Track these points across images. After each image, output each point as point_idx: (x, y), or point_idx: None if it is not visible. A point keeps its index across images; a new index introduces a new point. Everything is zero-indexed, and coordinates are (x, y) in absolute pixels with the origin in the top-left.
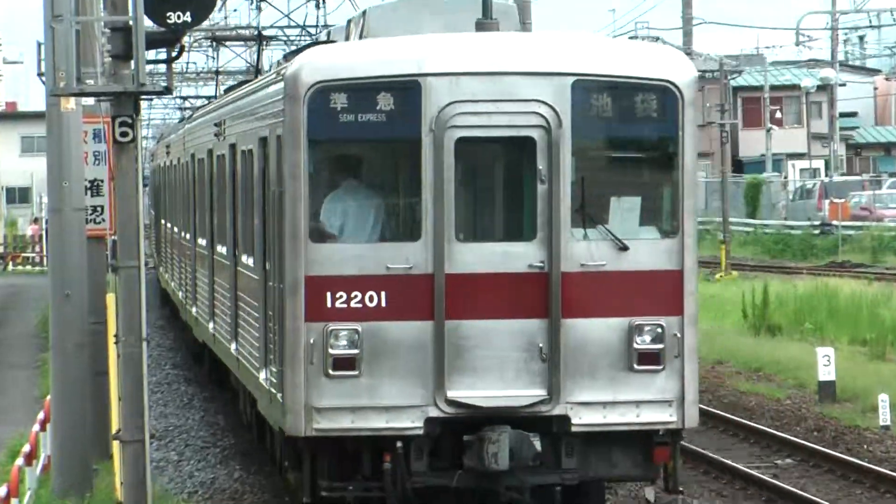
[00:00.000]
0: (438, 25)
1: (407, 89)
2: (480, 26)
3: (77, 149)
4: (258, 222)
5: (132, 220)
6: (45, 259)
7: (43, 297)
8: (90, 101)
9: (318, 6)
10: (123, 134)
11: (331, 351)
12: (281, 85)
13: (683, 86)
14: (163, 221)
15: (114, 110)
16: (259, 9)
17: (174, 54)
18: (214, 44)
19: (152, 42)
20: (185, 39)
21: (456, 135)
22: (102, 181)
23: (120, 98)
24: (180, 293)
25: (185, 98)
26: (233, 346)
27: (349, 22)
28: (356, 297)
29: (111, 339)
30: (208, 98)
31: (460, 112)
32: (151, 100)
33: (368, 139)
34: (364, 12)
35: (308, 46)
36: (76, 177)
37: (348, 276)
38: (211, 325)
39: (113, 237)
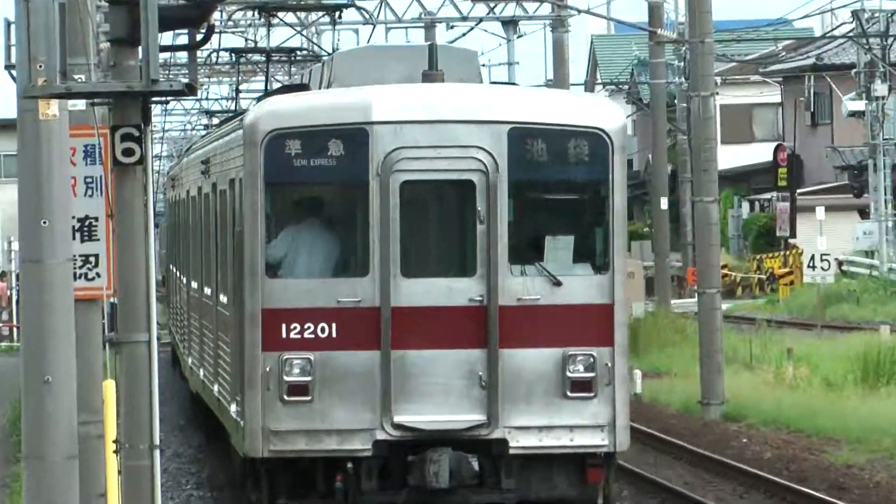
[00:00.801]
0: (400, 72)
1: (355, 136)
2: (426, 77)
3: (61, 173)
4: (231, 260)
5: (139, 275)
6: (15, 331)
7: (13, 386)
8: (80, 104)
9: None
10: (127, 152)
11: (286, 378)
12: (241, 132)
13: (613, 132)
14: (175, 271)
15: (114, 118)
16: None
17: (200, 38)
18: (261, 17)
19: (168, 21)
20: (216, 17)
21: (401, 178)
22: (97, 219)
23: (122, 100)
24: (189, 358)
25: (213, 100)
26: (215, 388)
27: (322, 64)
28: (309, 328)
29: (109, 447)
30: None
31: (405, 157)
32: (167, 102)
33: (320, 182)
34: (332, 57)
35: (277, 91)
36: (60, 213)
37: (302, 308)
38: (201, 372)
39: (112, 300)
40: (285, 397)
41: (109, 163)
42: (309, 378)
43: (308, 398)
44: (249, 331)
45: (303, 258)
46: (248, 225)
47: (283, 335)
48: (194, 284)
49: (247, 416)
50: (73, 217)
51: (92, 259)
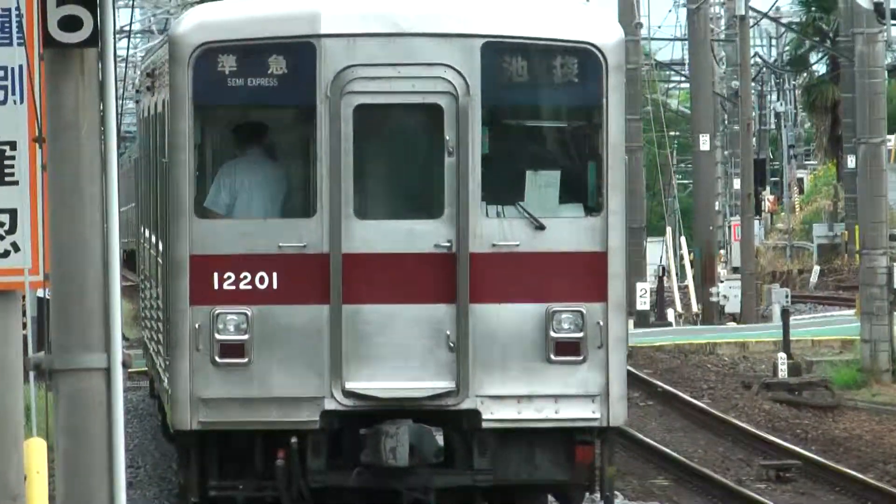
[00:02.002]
0: None
1: (300, 51)
2: None
3: None
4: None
5: (90, 249)
6: None
7: None
8: None
9: None
10: (70, 22)
11: (218, 337)
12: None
13: (608, 49)
14: (148, 238)
15: None
16: None
17: None
18: None
19: None
20: None
21: (354, 101)
22: (15, 147)
23: None
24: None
25: None
26: (160, 361)
27: None
28: (245, 277)
29: None
30: None
31: (359, 76)
32: None
33: (259, 105)
34: None
35: None
36: None
37: (237, 254)
38: (152, 347)
39: (42, 292)
40: (217, 359)
41: (37, 43)
42: (245, 337)
43: (244, 360)
44: (175, 280)
45: (239, 195)
46: (174, 155)
47: (215, 286)
48: (147, 235)
49: (172, 381)
50: None
51: (3, 218)
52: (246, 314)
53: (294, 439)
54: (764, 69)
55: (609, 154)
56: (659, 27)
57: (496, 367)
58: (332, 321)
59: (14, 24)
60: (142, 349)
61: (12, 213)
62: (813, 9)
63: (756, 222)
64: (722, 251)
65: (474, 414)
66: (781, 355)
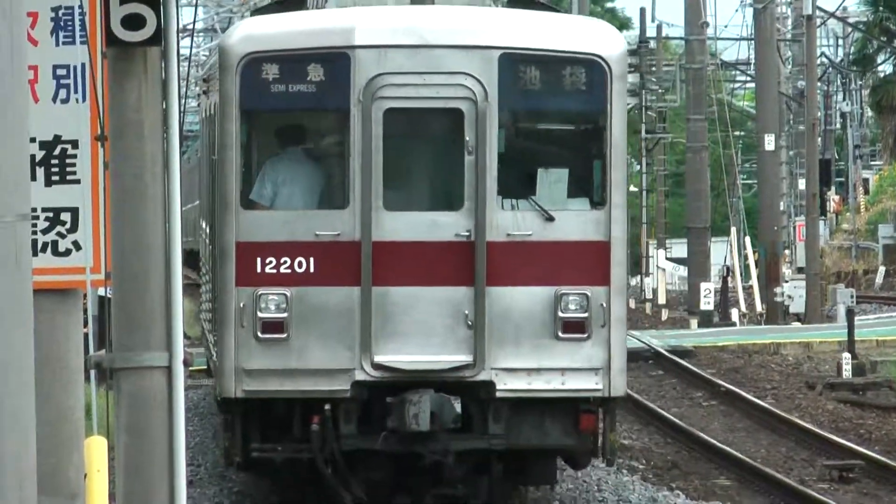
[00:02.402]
0: None
1: (336, 61)
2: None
3: (12, 58)
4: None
5: (151, 248)
6: None
7: None
8: None
9: None
10: (133, 21)
11: (260, 315)
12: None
13: (612, 60)
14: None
15: None
16: None
17: None
18: None
19: None
20: None
21: (384, 106)
22: (77, 145)
23: None
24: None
25: None
26: (211, 337)
27: None
28: (285, 262)
29: None
30: None
31: (388, 84)
32: None
33: (299, 109)
34: None
35: (270, 7)
36: (8, 132)
37: (277, 242)
38: (206, 325)
39: (103, 291)
40: (259, 335)
41: (100, 41)
42: (285, 315)
43: (283, 336)
44: (223, 265)
45: (280, 189)
46: (222, 153)
47: (258, 269)
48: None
49: (220, 354)
50: (33, 139)
51: (65, 216)
52: (286, 294)
53: (328, 406)
54: (830, 69)
55: (612, 154)
56: (725, 27)
57: (509, 343)
58: (362, 301)
59: (77, 23)
60: (202, 339)
61: (74, 211)
62: (881, 8)
63: (821, 222)
64: (787, 251)
65: (489, 385)
66: (846, 355)
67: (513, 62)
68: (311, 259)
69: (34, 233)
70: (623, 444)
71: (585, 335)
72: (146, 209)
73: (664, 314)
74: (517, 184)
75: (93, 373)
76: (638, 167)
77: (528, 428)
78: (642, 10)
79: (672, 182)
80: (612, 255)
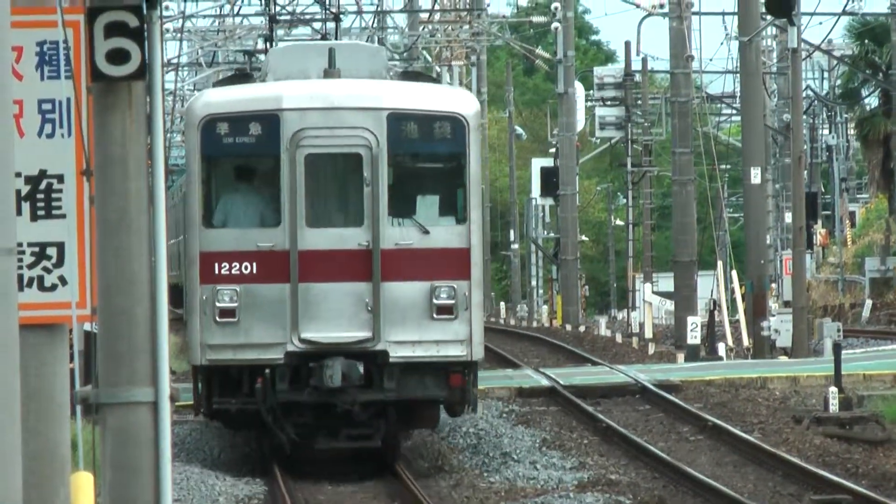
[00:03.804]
0: (319, 65)
1: (270, 120)
2: (327, 74)
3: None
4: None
5: (137, 283)
6: None
7: None
8: None
9: None
10: (118, 56)
11: (218, 304)
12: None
13: (469, 116)
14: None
15: None
16: None
17: None
18: None
19: None
20: None
21: (305, 151)
22: (62, 180)
23: None
24: None
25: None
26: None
27: (266, 56)
28: (235, 266)
29: None
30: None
31: (308, 135)
32: None
33: (244, 155)
34: (269, 53)
35: (227, 80)
36: None
37: (229, 251)
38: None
39: (89, 326)
40: (217, 319)
41: (84, 76)
42: (236, 304)
43: (235, 319)
44: (191, 269)
45: (231, 213)
46: (189, 187)
47: (216, 272)
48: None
49: (189, 333)
50: (18, 174)
51: (51, 251)
52: (236, 290)
53: (267, 370)
54: (816, 102)
55: (471, 184)
56: (710, 60)
57: (398, 323)
58: (291, 294)
59: (62, 57)
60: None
61: (60, 246)
62: (866, 41)
63: (808, 256)
64: (773, 285)
65: (384, 353)
66: (833, 389)
67: (397, 119)
68: (254, 263)
69: (20, 267)
70: (610, 479)
71: (453, 316)
72: (131, 243)
73: (651, 348)
74: (402, 207)
75: (78, 408)
76: (624, 200)
77: (413, 384)
78: (627, 44)
79: (658, 215)
80: (472, 258)
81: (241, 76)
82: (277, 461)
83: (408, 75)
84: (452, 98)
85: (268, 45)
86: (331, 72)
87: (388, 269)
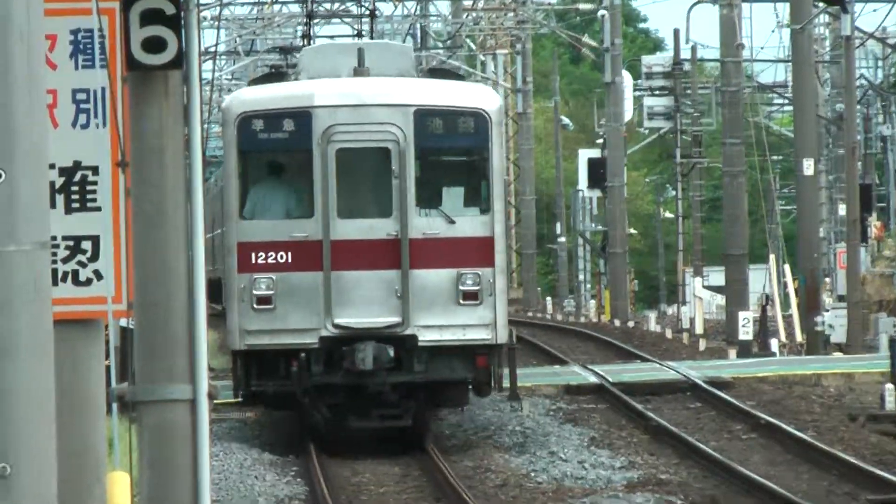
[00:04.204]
0: (349, 64)
1: (302, 117)
2: (357, 72)
3: (30, 82)
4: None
5: (175, 278)
6: None
7: None
8: None
9: None
10: (154, 44)
11: (255, 292)
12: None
13: (492, 111)
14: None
15: None
16: None
17: None
18: None
19: None
20: None
21: (336, 146)
22: (97, 171)
23: None
24: None
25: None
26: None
27: (299, 55)
28: (271, 256)
29: None
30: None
31: (339, 131)
32: None
33: (278, 150)
34: (302, 52)
35: (262, 78)
36: (26, 158)
37: (266, 241)
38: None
39: (125, 322)
40: (255, 306)
41: (119, 65)
42: (272, 292)
43: (272, 306)
44: (229, 258)
45: (266, 205)
46: (227, 181)
47: (253, 261)
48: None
49: (228, 320)
50: (52, 166)
51: (86, 245)
52: (272, 278)
53: (303, 354)
54: (870, 91)
55: (494, 177)
56: (762, 48)
57: (426, 308)
58: (324, 281)
59: (97, 46)
60: (230, 363)
61: (95, 239)
62: None
63: (862, 249)
64: (827, 279)
65: (413, 337)
66: (889, 386)
67: (423, 115)
68: (289, 253)
69: (54, 262)
70: (660, 479)
71: (478, 301)
72: (168, 237)
73: (702, 344)
74: (429, 198)
75: (114, 405)
76: (673, 192)
77: (441, 366)
78: (676, 32)
79: (708, 208)
80: (496, 246)
81: (275, 74)
82: (314, 443)
83: (434, 73)
84: (476, 94)
85: (305, 41)
86: (360, 70)
87: (415, 257)
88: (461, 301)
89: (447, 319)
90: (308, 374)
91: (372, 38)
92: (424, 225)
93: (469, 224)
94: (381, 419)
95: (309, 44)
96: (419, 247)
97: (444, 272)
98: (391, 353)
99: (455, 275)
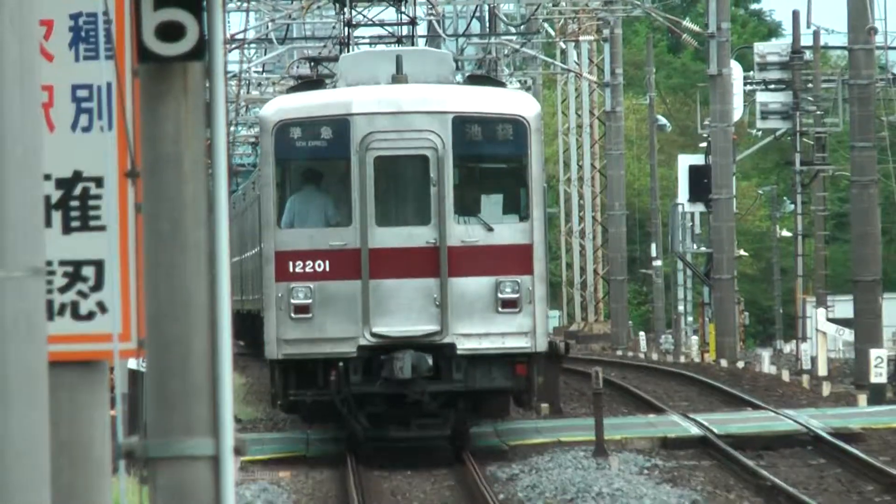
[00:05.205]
0: (388, 71)
1: (340, 124)
2: (395, 79)
3: (23, 75)
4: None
5: (194, 310)
6: None
7: None
8: None
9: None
10: (170, 31)
11: (293, 301)
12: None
13: (531, 118)
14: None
15: None
16: None
17: None
18: None
19: None
20: None
21: (374, 154)
22: (101, 183)
23: None
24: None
25: None
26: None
27: (338, 63)
28: (309, 264)
29: None
30: None
31: (376, 139)
32: None
33: (316, 158)
34: (341, 59)
35: (300, 86)
36: (17, 166)
37: (303, 250)
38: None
39: (137, 363)
40: (293, 315)
41: (129, 56)
42: (310, 301)
43: (309, 315)
44: (266, 267)
45: (304, 213)
46: (264, 190)
47: (291, 270)
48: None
49: (266, 329)
50: (48, 177)
51: (88, 271)
52: (310, 287)
53: (341, 363)
54: None
55: (533, 184)
56: None
57: (465, 316)
58: (363, 290)
59: (102, 33)
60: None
61: (98, 265)
62: None
63: None
64: None
65: (452, 345)
66: None
67: (461, 122)
68: (327, 262)
69: (49, 291)
70: None
71: (517, 309)
72: (187, 261)
73: (825, 388)
74: (467, 206)
75: (122, 463)
76: (791, 206)
77: (480, 375)
78: (795, 14)
79: (834, 225)
80: (535, 254)
81: (313, 82)
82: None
83: (473, 79)
84: (515, 101)
85: (343, 49)
86: (399, 77)
87: (454, 265)
88: (500, 309)
89: (486, 328)
90: (346, 383)
91: (413, 44)
92: (463, 232)
93: (508, 231)
94: (421, 428)
95: (348, 51)
96: (458, 254)
97: (483, 280)
98: (430, 361)
99: (494, 283)
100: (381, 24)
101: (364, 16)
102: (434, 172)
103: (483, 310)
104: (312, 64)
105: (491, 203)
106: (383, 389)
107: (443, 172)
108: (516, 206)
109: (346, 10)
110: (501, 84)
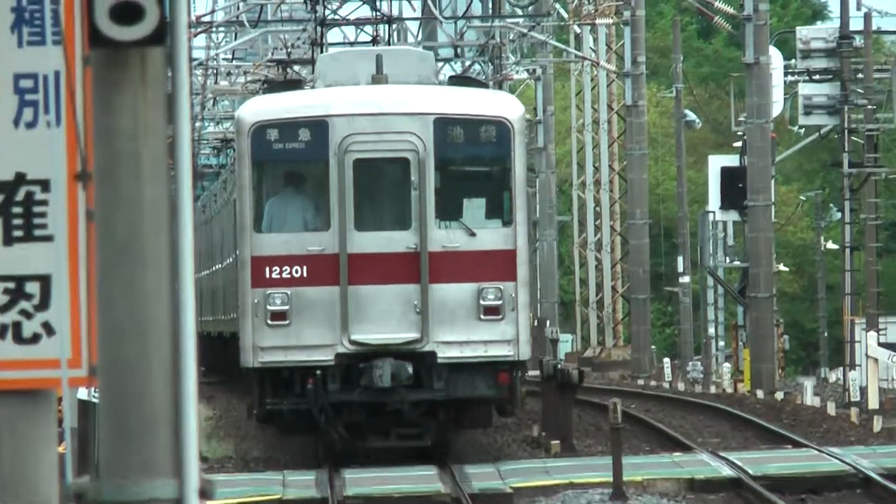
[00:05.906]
0: (367, 71)
1: (319, 126)
2: (375, 80)
3: None
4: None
5: (156, 330)
6: None
7: None
8: None
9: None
10: (125, 11)
11: (269, 307)
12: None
13: (514, 120)
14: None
15: None
16: None
17: None
18: None
19: None
20: None
21: (353, 157)
22: (48, 187)
23: None
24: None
25: None
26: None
27: (314, 63)
28: (286, 270)
29: None
30: None
31: (356, 141)
32: None
33: (293, 160)
34: (318, 59)
35: (277, 86)
36: None
37: (280, 255)
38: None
39: (89, 393)
40: (269, 322)
41: (79, 41)
42: (287, 307)
43: (286, 322)
44: (242, 273)
45: (281, 217)
46: (240, 193)
47: (267, 276)
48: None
49: (242, 336)
50: None
51: (32, 287)
52: (287, 293)
53: (319, 371)
54: None
55: (516, 187)
56: None
57: (446, 323)
58: (341, 296)
59: (48, 15)
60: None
61: (44, 280)
62: None
63: None
64: None
65: (433, 353)
66: None
67: (443, 123)
68: (304, 267)
69: None
70: None
71: (500, 316)
72: (146, 274)
73: (877, 423)
74: (449, 210)
75: None
76: (839, 214)
77: (461, 383)
78: None
79: (888, 236)
80: (518, 259)
81: (291, 82)
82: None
83: (455, 80)
84: (498, 102)
85: (315, 49)
86: (379, 78)
87: (435, 271)
88: (482, 316)
89: (468, 335)
90: (324, 392)
91: (389, 43)
92: (444, 237)
93: (491, 236)
94: (401, 438)
95: (321, 51)
96: (439, 260)
97: (465, 286)
98: (410, 370)
99: (476, 289)
100: (356, 24)
101: (339, 14)
102: (415, 175)
103: (465, 317)
104: (281, 68)
105: (473, 207)
106: (362, 398)
107: (424, 175)
108: (499, 211)
109: (318, 7)
110: (484, 85)
